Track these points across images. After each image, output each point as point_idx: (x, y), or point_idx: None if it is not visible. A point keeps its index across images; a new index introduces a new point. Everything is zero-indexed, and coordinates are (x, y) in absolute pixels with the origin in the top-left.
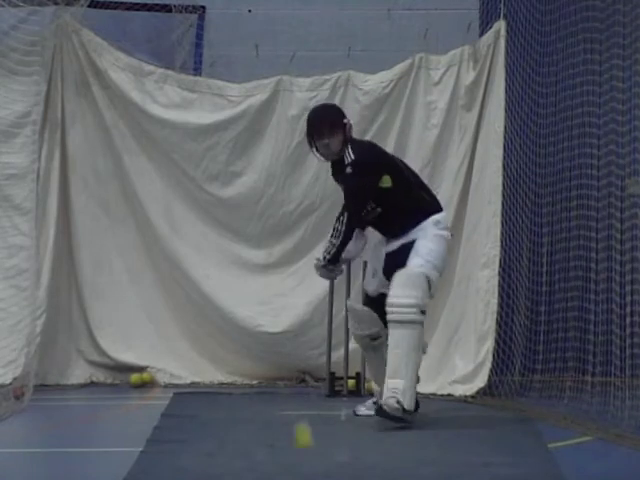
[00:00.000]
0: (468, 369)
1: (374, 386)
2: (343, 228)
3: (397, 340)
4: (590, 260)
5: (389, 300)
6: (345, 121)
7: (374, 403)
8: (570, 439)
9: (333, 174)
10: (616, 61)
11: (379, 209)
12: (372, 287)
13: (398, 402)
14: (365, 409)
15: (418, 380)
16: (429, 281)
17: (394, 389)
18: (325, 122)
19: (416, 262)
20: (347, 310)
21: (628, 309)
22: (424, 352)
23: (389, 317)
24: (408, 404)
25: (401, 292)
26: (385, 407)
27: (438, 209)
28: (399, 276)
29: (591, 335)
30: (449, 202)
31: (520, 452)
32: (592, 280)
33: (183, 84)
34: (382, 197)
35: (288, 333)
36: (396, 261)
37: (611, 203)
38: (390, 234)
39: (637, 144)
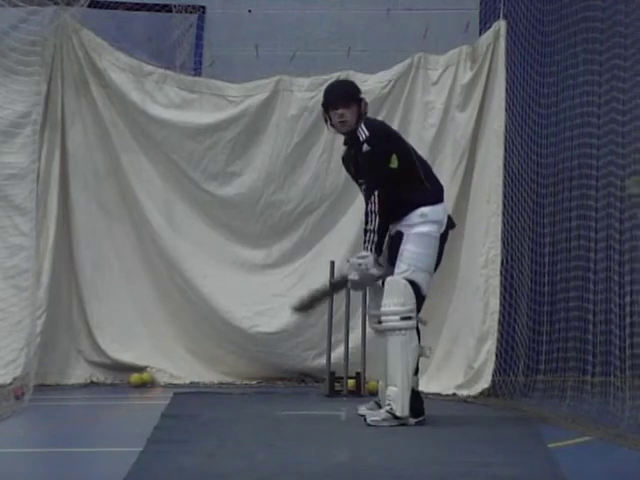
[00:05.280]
0: (472, 371)
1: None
2: (376, 208)
3: (386, 347)
4: (589, 260)
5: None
6: (361, 96)
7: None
8: (570, 439)
9: (344, 160)
10: (617, 61)
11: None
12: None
13: (390, 410)
14: (365, 409)
15: (417, 384)
16: (415, 284)
17: (388, 396)
18: (341, 93)
19: (400, 268)
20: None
21: (627, 309)
22: (426, 356)
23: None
24: (400, 410)
25: (384, 301)
26: (370, 420)
27: (432, 200)
28: (385, 285)
29: (591, 335)
30: (446, 202)
31: (520, 452)
32: (591, 280)
33: (183, 84)
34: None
35: (284, 333)
36: (390, 249)
37: (610, 203)
38: (388, 217)
39: (638, 144)
